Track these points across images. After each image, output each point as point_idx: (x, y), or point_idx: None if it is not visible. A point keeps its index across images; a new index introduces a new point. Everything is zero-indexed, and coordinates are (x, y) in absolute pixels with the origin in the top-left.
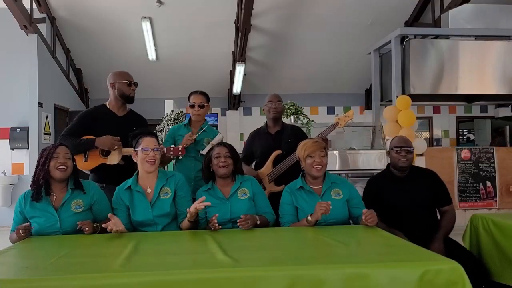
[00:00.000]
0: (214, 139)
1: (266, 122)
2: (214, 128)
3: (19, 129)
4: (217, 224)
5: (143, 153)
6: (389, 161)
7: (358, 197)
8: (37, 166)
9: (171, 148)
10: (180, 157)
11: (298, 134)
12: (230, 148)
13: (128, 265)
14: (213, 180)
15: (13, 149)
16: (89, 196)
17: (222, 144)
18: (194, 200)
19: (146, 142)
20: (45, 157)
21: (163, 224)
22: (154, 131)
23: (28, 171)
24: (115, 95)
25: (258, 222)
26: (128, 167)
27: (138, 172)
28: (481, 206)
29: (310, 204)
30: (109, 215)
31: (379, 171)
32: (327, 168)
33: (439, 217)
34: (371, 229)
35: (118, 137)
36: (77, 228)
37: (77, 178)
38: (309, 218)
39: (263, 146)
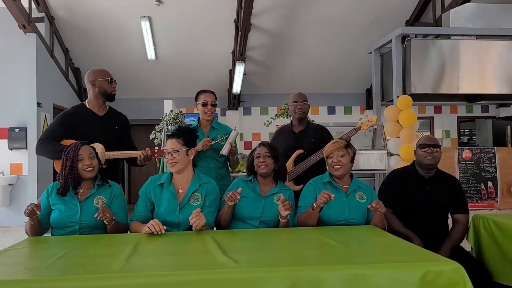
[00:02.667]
0: (230, 136)
1: (291, 121)
2: (223, 123)
3: (18, 129)
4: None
5: (166, 156)
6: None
7: None
8: (64, 169)
9: (155, 151)
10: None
11: (321, 134)
12: (271, 147)
13: (127, 266)
14: (255, 175)
15: (11, 149)
16: (111, 195)
17: (262, 143)
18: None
19: (167, 144)
20: (71, 160)
21: (184, 227)
22: (181, 128)
23: (27, 171)
24: (96, 93)
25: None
26: (111, 170)
27: None
28: (482, 207)
29: (335, 200)
30: None
31: (379, 172)
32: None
33: (450, 223)
34: (372, 229)
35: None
36: (96, 217)
37: (103, 175)
38: (314, 205)
39: (285, 145)
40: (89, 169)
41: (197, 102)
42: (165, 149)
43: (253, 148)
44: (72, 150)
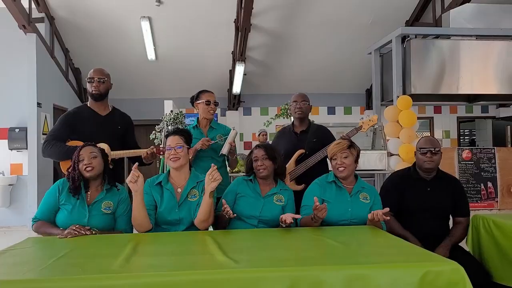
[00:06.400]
0: (230, 136)
1: (293, 121)
2: (221, 123)
3: (18, 129)
4: (231, 212)
5: (167, 152)
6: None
7: (380, 205)
8: (69, 169)
9: (160, 148)
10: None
11: (323, 134)
12: (267, 149)
13: (127, 266)
14: (255, 175)
15: (11, 150)
16: (118, 200)
17: (259, 146)
18: (218, 199)
19: (169, 141)
20: (73, 162)
21: (186, 224)
22: (180, 128)
23: (27, 171)
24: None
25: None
26: (116, 170)
27: (170, 170)
28: (482, 207)
29: (338, 200)
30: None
31: (379, 172)
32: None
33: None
34: (372, 229)
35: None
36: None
37: (111, 178)
38: (313, 216)
39: (287, 145)
40: (88, 168)
41: (199, 101)
42: (168, 146)
43: (250, 150)
44: (77, 152)
